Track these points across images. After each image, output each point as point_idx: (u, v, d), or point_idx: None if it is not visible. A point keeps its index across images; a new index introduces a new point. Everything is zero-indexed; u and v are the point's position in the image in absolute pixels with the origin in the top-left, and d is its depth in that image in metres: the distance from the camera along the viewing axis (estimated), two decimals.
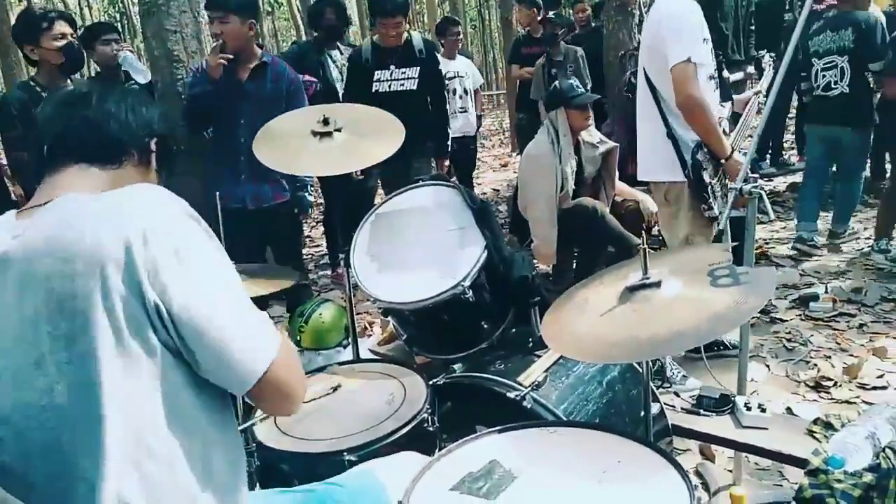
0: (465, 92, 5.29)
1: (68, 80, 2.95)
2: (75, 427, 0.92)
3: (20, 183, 3.16)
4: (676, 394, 2.64)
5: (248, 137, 2.94)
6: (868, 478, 1.55)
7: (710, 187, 2.55)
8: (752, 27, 5.52)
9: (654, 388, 1.78)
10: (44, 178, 1.08)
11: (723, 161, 2.56)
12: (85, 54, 3.20)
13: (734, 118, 2.89)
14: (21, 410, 0.93)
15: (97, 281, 0.91)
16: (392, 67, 3.81)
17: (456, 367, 1.96)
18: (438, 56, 4.53)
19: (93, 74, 4.61)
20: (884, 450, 1.58)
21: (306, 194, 3.29)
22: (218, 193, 2.06)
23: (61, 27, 2.78)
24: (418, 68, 3.83)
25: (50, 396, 0.92)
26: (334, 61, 4.28)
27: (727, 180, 2.59)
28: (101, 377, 0.92)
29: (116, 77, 3.65)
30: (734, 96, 2.85)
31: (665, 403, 2.04)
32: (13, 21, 3.35)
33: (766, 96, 2.56)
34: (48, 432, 0.92)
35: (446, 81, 5.06)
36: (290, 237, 3.38)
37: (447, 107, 5.01)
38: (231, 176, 3.00)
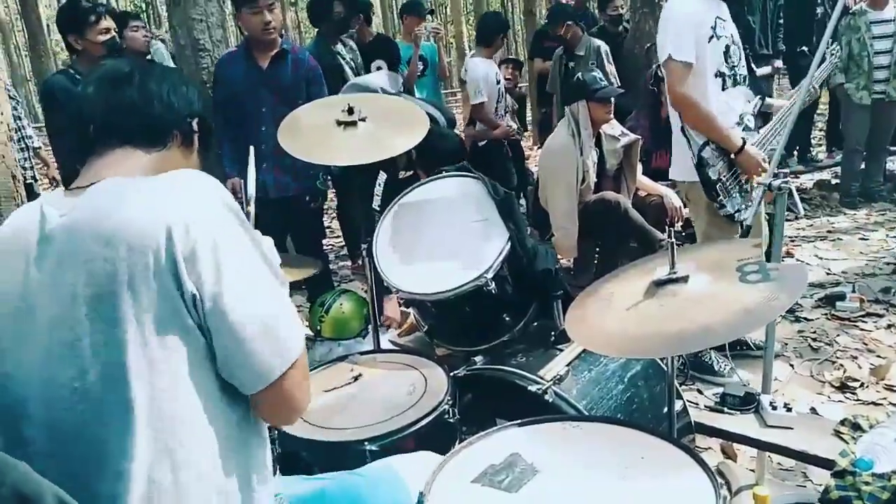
0: (505, 94, 5.17)
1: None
2: (106, 411, 0.92)
3: (60, 168, 3.22)
4: (700, 391, 2.61)
5: (269, 125, 2.97)
6: None
7: (718, 184, 2.52)
8: (781, 21, 5.42)
9: (678, 385, 1.76)
10: (89, 158, 1.08)
11: (734, 156, 2.51)
12: (122, 47, 3.25)
13: (764, 116, 2.83)
14: (52, 391, 0.94)
15: (138, 266, 0.91)
16: None
17: (477, 359, 1.95)
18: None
19: None
20: None
21: (318, 183, 3.29)
22: (243, 181, 2.07)
23: (108, 22, 2.87)
24: None
25: (83, 380, 0.92)
26: (343, 58, 4.11)
27: (744, 176, 2.56)
28: (135, 363, 0.92)
29: None
30: (769, 101, 2.79)
31: (688, 400, 2.01)
32: (45, 10, 3.38)
33: (814, 88, 2.50)
34: (78, 415, 0.93)
35: (497, 85, 4.86)
36: (311, 226, 3.40)
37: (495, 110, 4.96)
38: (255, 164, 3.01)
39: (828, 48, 2.55)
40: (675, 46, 2.46)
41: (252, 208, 1.38)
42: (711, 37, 2.50)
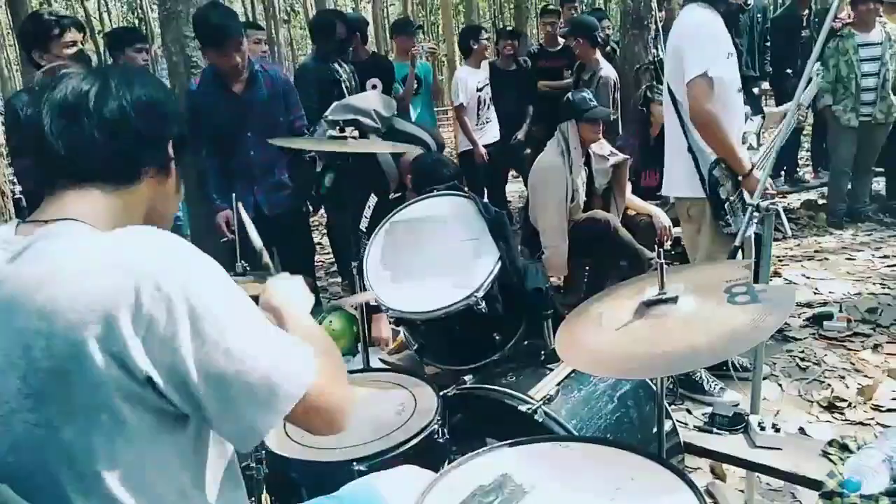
0: (490, 101, 5.25)
1: None
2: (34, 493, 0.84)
3: (24, 190, 3.09)
4: (689, 411, 2.61)
5: (256, 148, 2.98)
6: (885, 502, 1.52)
7: (727, 203, 2.52)
8: (768, 44, 5.51)
9: (667, 405, 1.76)
10: (49, 188, 0.94)
11: (741, 178, 2.53)
12: (93, 62, 3.21)
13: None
14: None
15: (79, 344, 0.80)
16: None
17: (467, 378, 1.94)
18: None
19: None
20: None
21: (313, 192, 3.26)
22: (240, 203, 2.07)
23: (73, 35, 2.74)
24: None
25: (14, 454, 0.85)
26: (340, 77, 4.10)
27: (747, 197, 2.57)
28: (72, 446, 0.83)
29: None
30: (767, 109, 2.83)
31: (677, 420, 2.01)
32: None
33: (799, 110, 2.52)
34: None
35: (477, 93, 5.03)
36: (302, 242, 3.40)
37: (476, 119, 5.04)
38: (244, 188, 3.01)
39: (817, 74, 2.59)
40: (709, 62, 2.43)
41: (266, 258, 1.30)
42: (729, 53, 2.53)
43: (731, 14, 2.72)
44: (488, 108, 5.22)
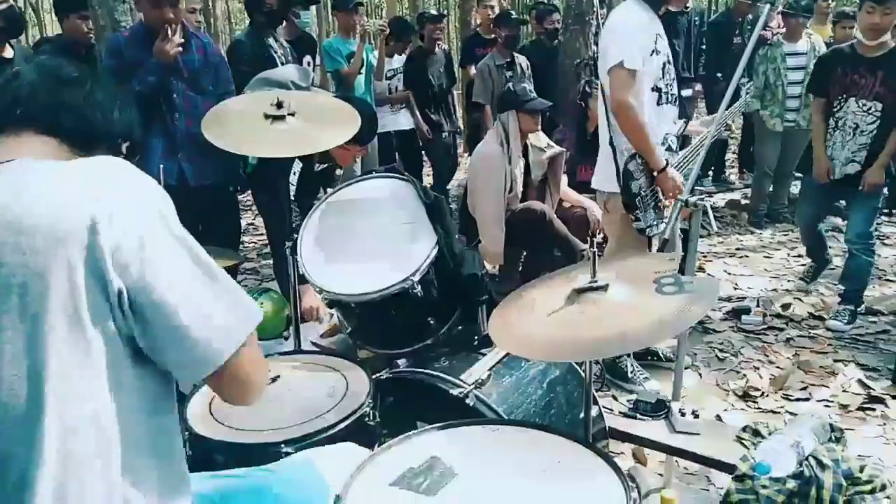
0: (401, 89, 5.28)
1: (7, 45, 2.79)
2: (12, 416, 0.86)
3: None
4: (614, 397, 2.70)
5: (182, 113, 2.86)
6: (791, 484, 1.62)
7: (637, 198, 2.59)
8: (703, 47, 5.70)
9: (594, 392, 1.81)
10: (4, 133, 0.99)
11: (655, 174, 2.59)
12: (26, 21, 3.02)
13: (683, 139, 2.94)
14: None
15: (57, 259, 0.85)
16: None
17: (400, 362, 1.94)
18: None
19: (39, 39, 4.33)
20: (807, 458, 1.65)
21: (240, 170, 3.19)
22: (161, 167, 1.98)
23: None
24: None
25: None
26: (276, 52, 3.95)
27: (661, 194, 2.65)
28: (48, 364, 0.86)
29: (78, 53, 3.46)
30: (690, 123, 2.92)
31: (603, 406, 2.07)
32: None
33: (724, 120, 2.59)
34: None
35: (387, 81, 5.07)
36: (230, 218, 3.30)
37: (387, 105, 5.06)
38: (168, 152, 2.89)
39: (743, 86, 2.68)
40: (626, 55, 2.49)
41: None
42: (653, 51, 2.59)
43: (670, 15, 2.80)
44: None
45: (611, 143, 2.66)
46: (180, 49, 2.74)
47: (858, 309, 3.52)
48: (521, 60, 5.14)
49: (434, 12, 6.14)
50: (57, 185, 0.89)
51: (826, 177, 3.55)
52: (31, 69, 1.04)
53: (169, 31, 2.72)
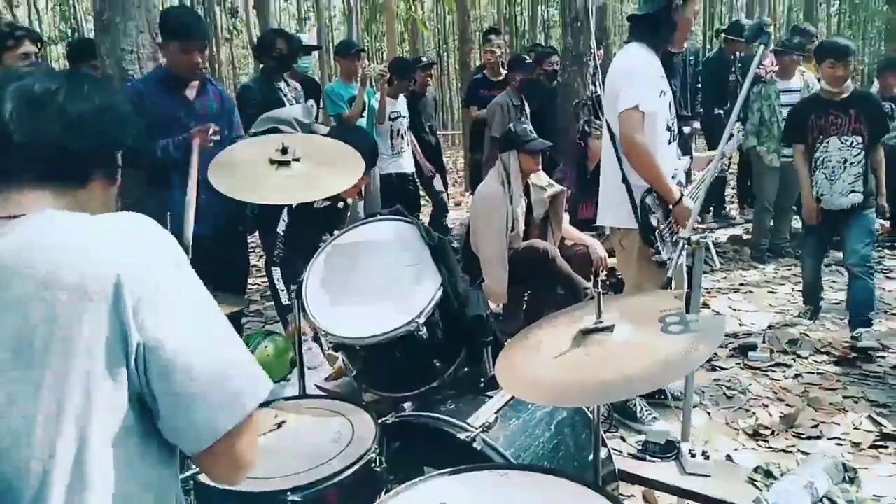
0: (406, 132, 5.35)
1: None
2: (21, 466, 0.84)
3: None
4: (623, 438, 2.66)
5: (200, 157, 2.89)
6: None
7: (657, 231, 2.61)
8: (700, 86, 5.80)
9: (602, 433, 1.79)
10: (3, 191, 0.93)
11: (671, 206, 2.63)
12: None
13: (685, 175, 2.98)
14: None
15: (81, 315, 0.84)
16: None
17: (406, 405, 1.92)
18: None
19: None
20: (821, 499, 1.62)
21: (248, 210, 3.23)
22: (169, 214, 2.00)
23: (27, 47, 2.68)
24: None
25: None
26: (285, 95, 4.14)
27: (677, 226, 2.68)
28: (65, 417, 0.84)
29: None
30: (695, 154, 2.96)
31: (612, 448, 2.04)
32: None
33: (723, 157, 2.64)
34: None
35: (389, 122, 5.14)
36: (239, 260, 3.32)
37: (389, 148, 5.14)
38: (183, 197, 2.91)
39: (735, 129, 2.76)
40: (641, 97, 2.55)
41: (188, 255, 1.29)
42: (662, 91, 2.65)
43: (666, 56, 2.86)
44: (402, 138, 5.29)
45: (624, 181, 2.68)
46: (217, 138, 2.75)
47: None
48: (526, 104, 5.23)
49: (425, 60, 6.30)
50: (82, 241, 0.89)
51: (815, 218, 3.85)
52: (3, 98, 0.92)
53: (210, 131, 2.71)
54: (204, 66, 2.90)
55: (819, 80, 5.36)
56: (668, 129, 2.69)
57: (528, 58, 5.49)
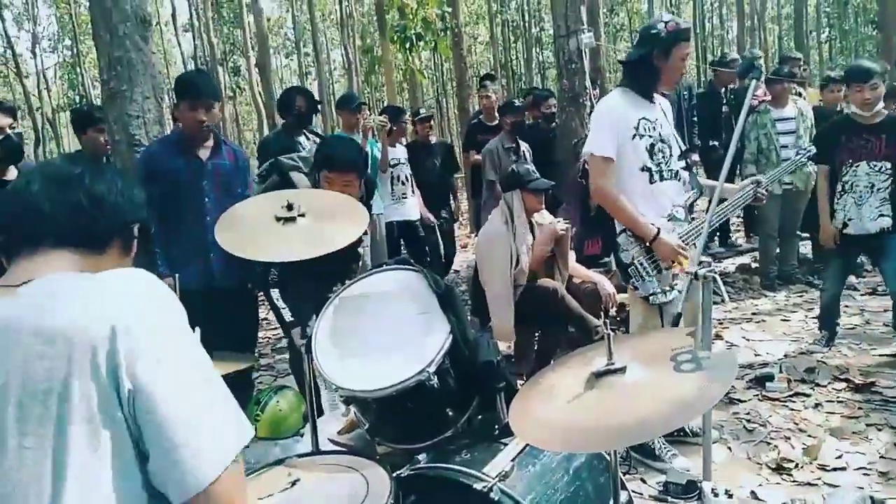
0: (407, 178, 5.41)
1: (11, 168, 2.88)
2: None
3: None
4: (643, 480, 2.61)
5: (213, 216, 2.94)
6: None
7: (630, 267, 2.69)
8: (695, 118, 5.87)
9: (622, 475, 1.76)
10: (19, 255, 1.03)
11: (649, 243, 2.68)
12: (23, 146, 3.13)
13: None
14: None
15: (78, 366, 0.90)
16: None
17: (420, 457, 1.90)
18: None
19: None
20: None
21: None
22: (177, 275, 2.02)
23: (1, 120, 2.71)
24: None
25: (4, 483, 0.88)
26: (304, 148, 4.29)
27: (662, 262, 2.70)
28: (68, 467, 0.88)
29: None
30: (701, 181, 3.00)
31: (633, 491, 2.01)
32: None
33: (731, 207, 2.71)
34: None
35: (390, 169, 5.23)
36: (250, 317, 3.33)
37: (390, 195, 5.19)
38: (199, 255, 2.96)
39: (761, 183, 2.82)
40: (596, 144, 2.67)
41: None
42: (635, 135, 2.69)
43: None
44: (403, 184, 5.36)
45: (610, 220, 2.77)
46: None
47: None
48: (524, 146, 5.31)
49: (423, 112, 6.43)
50: (80, 297, 0.94)
51: (832, 241, 3.86)
52: (31, 181, 1.05)
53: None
54: (208, 123, 2.96)
55: (818, 106, 5.46)
56: (645, 169, 2.71)
57: (517, 101, 5.59)
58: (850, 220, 3.78)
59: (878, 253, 3.78)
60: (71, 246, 1.04)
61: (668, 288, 2.70)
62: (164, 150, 3.02)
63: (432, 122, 5.98)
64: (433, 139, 5.97)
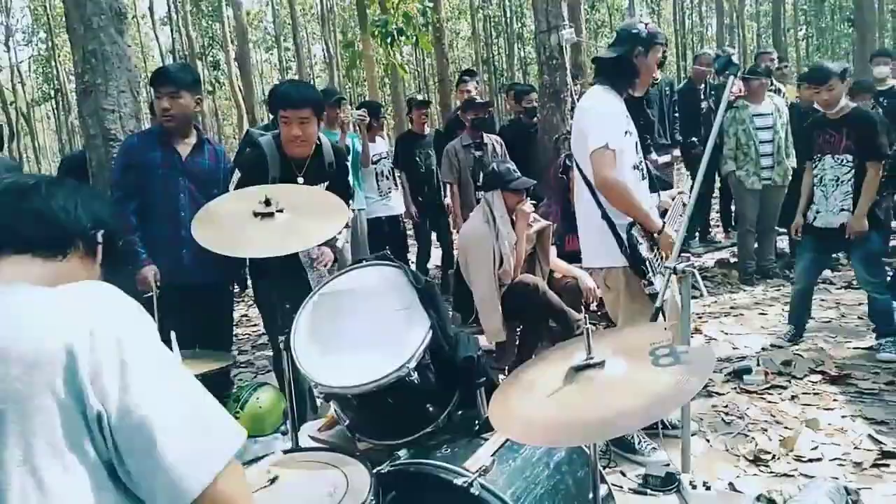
0: (391, 172, 5.39)
1: None
2: None
3: None
4: (623, 473, 2.63)
5: (187, 212, 2.90)
6: None
7: (648, 262, 2.61)
8: (677, 114, 5.91)
9: (601, 469, 1.77)
10: None
11: (656, 235, 2.65)
12: (5, 136, 3.07)
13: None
14: None
15: (37, 387, 0.85)
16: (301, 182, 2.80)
17: (401, 453, 1.89)
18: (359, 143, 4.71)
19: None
20: None
21: (241, 269, 3.24)
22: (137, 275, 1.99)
23: None
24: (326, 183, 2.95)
25: None
26: None
27: (662, 256, 2.69)
28: (20, 489, 0.84)
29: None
30: (661, 192, 2.99)
31: (612, 484, 2.02)
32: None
33: (692, 190, 2.69)
34: None
35: (373, 165, 5.19)
36: (226, 315, 3.30)
37: (376, 190, 5.17)
38: (173, 253, 2.92)
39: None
40: (609, 136, 2.57)
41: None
42: (627, 132, 2.68)
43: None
44: (387, 178, 5.34)
45: (605, 218, 2.67)
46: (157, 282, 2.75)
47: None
48: (493, 140, 5.26)
49: (419, 97, 6.38)
50: (37, 313, 0.91)
51: (795, 232, 4.04)
52: None
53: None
54: (173, 112, 2.90)
55: (795, 103, 5.53)
56: (636, 167, 2.71)
57: (477, 98, 5.50)
58: (818, 212, 3.88)
59: (851, 251, 3.86)
60: (30, 251, 1.04)
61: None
62: (143, 141, 2.98)
63: (427, 110, 5.81)
64: (427, 129, 5.84)
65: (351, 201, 3.23)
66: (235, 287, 3.42)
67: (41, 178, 1.12)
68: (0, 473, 0.84)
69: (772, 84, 5.61)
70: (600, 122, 2.62)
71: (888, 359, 3.60)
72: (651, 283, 2.62)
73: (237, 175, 2.78)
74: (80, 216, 1.10)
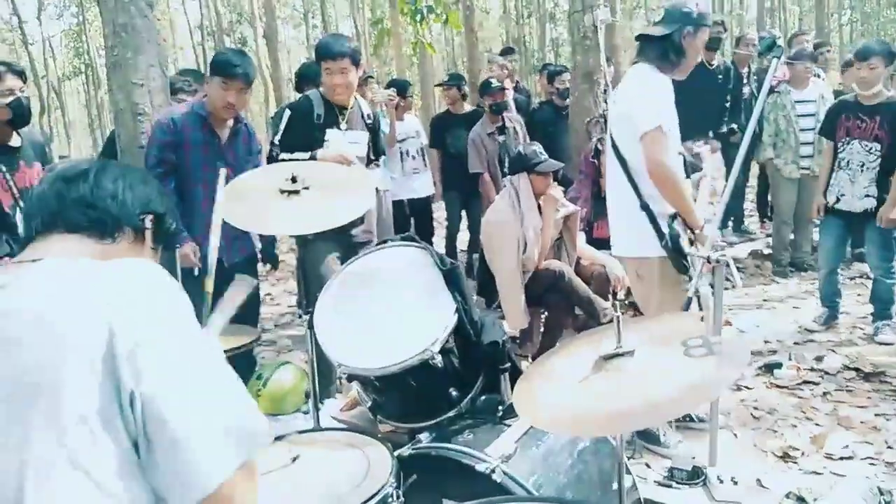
0: (419, 152, 5.31)
1: (16, 133, 2.85)
2: None
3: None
4: (647, 465, 2.58)
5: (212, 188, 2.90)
6: None
7: (689, 257, 2.46)
8: (728, 103, 5.72)
9: (627, 460, 1.73)
10: (36, 238, 1.05)
11: (696, 232, 2.51)
12: (31, 109, 3.06)
13: None
14: None
15: (72, 362, 0.85)
16: (344, 128, 3.13)
17: (422, 436, 1.88)
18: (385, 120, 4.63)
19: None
20: None
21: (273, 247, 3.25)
22: (178, 251, 1.99)
23: (11, 81, 2.66)
24: (367, 134, 3.25)
25: None
26: None
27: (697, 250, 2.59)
28: (55, 465, 0.84)
29: None
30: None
31: (637, 476, 1.98)
32: None
33: (720, 177, 2.60)
34: None
35: (398, 144, 5.12)
36: (252, 292, 3.30)
37: (400, 171, 5.12)
38: (205, 234, 2.92)
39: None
40: (662, 117, 2.45)
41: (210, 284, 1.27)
42: (673, 116, 2.58)
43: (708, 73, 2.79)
44: (414, 159, 5.26)
45: (644, 208, 2.55)
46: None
47: None
48: (514, 121, 5.12)
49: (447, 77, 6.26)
50: (79, 289, 0.91)
51: (816, 213, 4.12)
52: (42, 182, 1.12)
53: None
54: (237, 108, 2.89)
55: (838, 90, 5.34)
56: (680, 154, 2.62)
57: (493, 81, 5.33)
58: (842, 195, 3.92)
59: (867, 236, 3.89)
60: (80, 231, 1.06)
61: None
62: (187, 121, 2.93)
63: (456, 90, 5.57)
64: (467, 108, 5.60)
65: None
66: (267, 265, 3.42)
67: (91, 164, 1.13)
68: (27, 443, 0.84)
69: (813, 69, 5.40)
70: (653, 103, 2.49)
71: (887, 340, 3.66)
72: (691, 278, 2.45)
73: (287, 114, 3.04)
74: (128, 202, 1.11)
